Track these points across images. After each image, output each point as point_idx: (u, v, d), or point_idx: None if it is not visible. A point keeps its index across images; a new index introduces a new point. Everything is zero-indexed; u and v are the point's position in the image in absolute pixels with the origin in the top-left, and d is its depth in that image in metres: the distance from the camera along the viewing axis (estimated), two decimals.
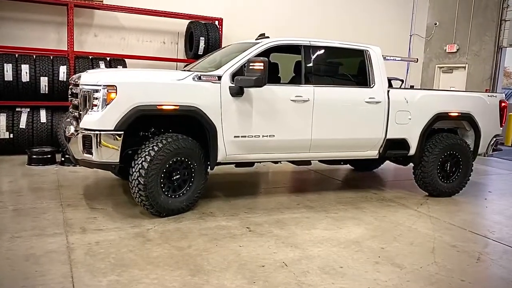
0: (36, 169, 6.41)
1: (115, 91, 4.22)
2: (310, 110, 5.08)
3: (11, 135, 7.08)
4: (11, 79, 7.00)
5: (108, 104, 4.22)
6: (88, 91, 4.34)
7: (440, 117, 5.82)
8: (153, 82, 4.42)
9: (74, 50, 7.73)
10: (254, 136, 4.87)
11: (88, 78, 4.44)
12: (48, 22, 8.04)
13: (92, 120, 4.27)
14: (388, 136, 5.57)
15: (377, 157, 5.69)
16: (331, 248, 3.94)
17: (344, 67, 5.89)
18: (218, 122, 4.63)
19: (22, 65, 7.09)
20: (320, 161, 5.74)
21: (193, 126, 4.69)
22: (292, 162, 5.49)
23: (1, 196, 4.97)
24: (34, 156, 6.61)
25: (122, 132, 4.26)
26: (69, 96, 4.93)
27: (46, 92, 7.24)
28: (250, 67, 4.49)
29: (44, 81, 7.21)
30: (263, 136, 4.91)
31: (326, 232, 4.37)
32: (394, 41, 11.53)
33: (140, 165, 4.32)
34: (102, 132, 4.22)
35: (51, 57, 7.46)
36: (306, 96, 5.06)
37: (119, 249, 3.69)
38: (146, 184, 4.30)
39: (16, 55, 7.22)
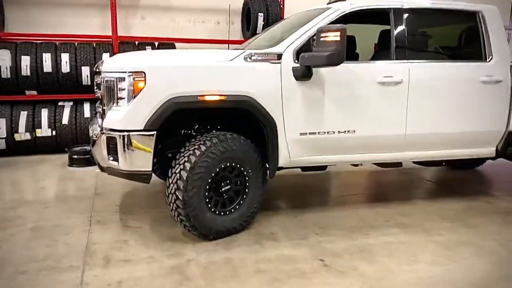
0: (76, 172, 5.67)
1: (143, 79, 3.21)
2: (405, 94, 3.76)
3: (54, 132, 6.43)
4: (51, 70, 6.31)
5: (135, 96, 3.22)
6: (112, 80, 3.36)
7: None
8: (192, 65, 3.34)
9: (119, 35, 6.90)
10: (327, 132, 3.66)
11: (111, 64, 3.46)
12: (91, 5, 7.27)
13: (116, 117, 3.30)
14: (511, 128, 4.09)
15: (494, 155, 4.23)
16: None
17: (448, 35, 4.47)
18: (278, 115, 3.48)
19: (62, 54, 6.37)
20: (414, 162, 4.40)
21: (246, 121, 3.59)
22: (378, 164, 4.21)
23: (25, 209, 4.20)
24: (75, 157, 5.88)
25: (155, 133, 3.25)
26: (95, 88, 4.01)
27: (88, 84, 6.49)
28: (322, 39, 3.27)
29: (85, 71, 6.46)
30: (339, 132, 3.68)
31: (435, 268, 3.08)
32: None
33: (178, 175, 3.29)
34: (128, 133, 3.23)
35: (94, 44, 6.70)
36: (399, 76, 3.74)
37: None
38: (186, 199, 3.27)
39: (56, 44, 6.52)
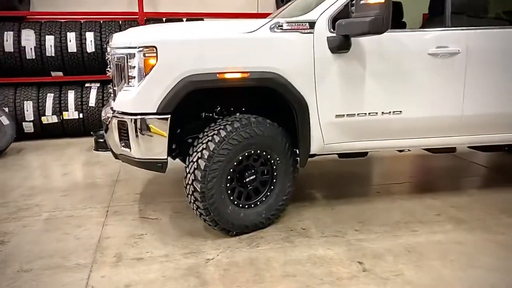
0: (102, 156, 5.44)
1: (155, 54, 2.81)
2: (462, 68, 3.18)
3: (81, 115, 6.24)
4: (75, 50, 6.08)
5: (147, 75, 2.84)
6: (121, 57, 2.99)
7: None
8: (209, 38, 2.90)
9: (145, 11, 6.56)
10: (369, 113, 3.16)
11: (120, 39, 3.08)
12: None
13: (127, 99, 2.94)
14: None
15: None
16: None
17: None
18: (310, 94, 3.01)
19: (87, 33, 6.12)
20: (469, 146, 3.81)
21: (273, 102, 3.15)
22: (428, 149, 3.66)
23: (44, 196, 4.00)
24: (100, 140, 5.64)
25: (169, 116, 2.87)
26: (107, 67, 3.67)
27: None
28: (362, 1, 2.74)
29: None
30: (383, 113, 3.17)
31: (496, 275, 2.57)
32: None
33: (196, 164, 2.91)
34: (140, 117, 2.87)
35: (119, 21, 6.39)
36: (455, 46, 3.16)
37: None
38: (205, 191, 2.89)
39: (81, 22, 6.27)
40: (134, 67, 2.88)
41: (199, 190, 2.89)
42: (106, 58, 3.52)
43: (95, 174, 4.74)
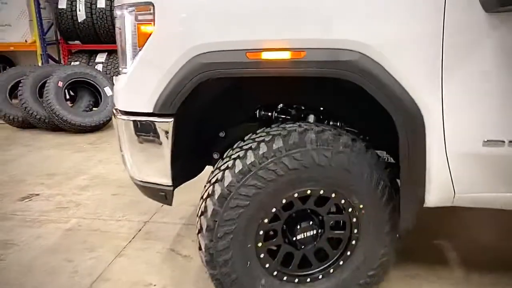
0: None
1: (151, 17, 1.67)
2: None
3: None
4: None
5: (140, 50, 1.73)
6: (120, 22, 1.94)
7: None
8: None
9: None
10: None
11: None
12: None
13: (118, 88, 1.91)
14: None
15: None
16: None
17: None
18: (429, 94, 1.50)
19: None
20: None
21: (350, 103, 1.74)
22: None
23: (94, 192, 3.36)
24: None
25: (172, 120, 1.72)
26: None
27: None
28: None
29: None
30: None
31: None
32: None
33: (203, 205, 1.73)
34: (130, 118, 1.81)
35: None
36: None
37: None
38: (213, 254, 1.70)
39: None
40: (126, 37, 1.80)
41: (203, 248, 1.72)
42: None
43: None
